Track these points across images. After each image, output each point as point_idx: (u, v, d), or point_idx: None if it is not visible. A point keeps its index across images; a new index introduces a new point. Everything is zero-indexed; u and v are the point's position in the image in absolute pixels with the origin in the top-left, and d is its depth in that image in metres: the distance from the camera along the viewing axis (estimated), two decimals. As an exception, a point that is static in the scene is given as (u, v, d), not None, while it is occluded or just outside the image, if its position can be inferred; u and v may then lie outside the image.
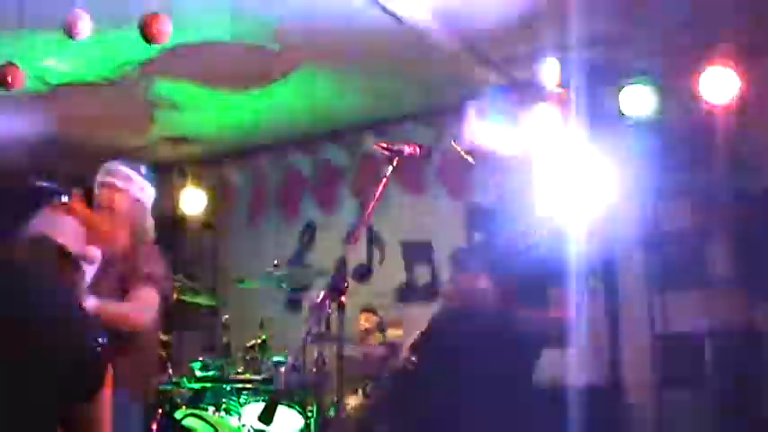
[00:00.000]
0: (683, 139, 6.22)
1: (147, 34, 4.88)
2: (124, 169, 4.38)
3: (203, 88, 6.80)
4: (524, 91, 6.51)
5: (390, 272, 7.61)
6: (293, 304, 7.72)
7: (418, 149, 3.81)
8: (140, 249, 4.27)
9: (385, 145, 3.76)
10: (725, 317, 5.95)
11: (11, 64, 5.63)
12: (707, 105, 5.79)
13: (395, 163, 3.79)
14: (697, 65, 5.81)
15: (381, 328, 6.18)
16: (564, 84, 6.21)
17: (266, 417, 3.65)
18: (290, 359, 5.65)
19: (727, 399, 5.75)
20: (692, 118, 6.06)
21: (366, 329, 6.12)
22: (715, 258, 6.11)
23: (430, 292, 7.15)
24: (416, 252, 7.48)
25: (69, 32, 4.90)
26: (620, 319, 6.07)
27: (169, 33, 4.89)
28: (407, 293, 7.50)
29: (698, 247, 6.18)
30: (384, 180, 3.67)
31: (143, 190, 4.41)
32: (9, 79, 5.61)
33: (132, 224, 4.27)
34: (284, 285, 6.04)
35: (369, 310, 6.31)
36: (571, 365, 5.12)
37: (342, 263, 3.66)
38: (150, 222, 4.43)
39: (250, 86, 6.81)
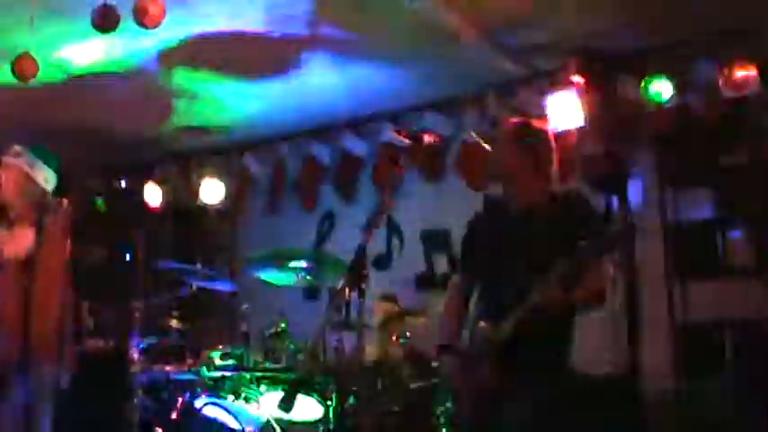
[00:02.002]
0: (703, 128, 6.19)
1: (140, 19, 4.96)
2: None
3: (222, 78, 6.81)
4: (543, 80, 6.51)
5: (409, 261, 7.62)
6: (312, 293, 7.73)
7: (437, 138, 3.82)
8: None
9: (404, 133, 3.77)
10: (745, 306, 5.94)
11: (25, 54, 5.66)
12: (725, 92, 5.77)
13: (414, 152, 3.80)
14: (716, 53, 5.79)
15: (401, 316, 6.18)
16: (583, 72, 6.20)
17: (286, 404, 3.68)
18: (309, 347, 5.66)
19: (746, 388, 5.73)
20: (711, 106, 6.03)
21: (385, 318, 6.12)
22: (735, 247, 6.09)
23: (448, 280, 7.14)
24: (435, 241, 7.48)
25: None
26: (639, 307, 6.05)
27: (162, 18, 4.96)
28: (426, 282, 7.50)
29: (718, 235, 6.16)
30: (403, 168, 3.68)
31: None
32: (23, 70, 5.65)
33: None
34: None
35: (388, 298, 6.31)
36: (591, 354, 5.13)
37: (361, 250, 3.66)
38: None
39: (268, 76, 6.81)
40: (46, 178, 5.08)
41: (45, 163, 5.11)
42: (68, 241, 5.04)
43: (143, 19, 5.02)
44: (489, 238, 4.29)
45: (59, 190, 5.23)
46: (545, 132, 4.28)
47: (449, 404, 4.36)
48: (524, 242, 4.03)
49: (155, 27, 5.12)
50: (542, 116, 6.19)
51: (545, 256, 3.81)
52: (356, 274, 3.69)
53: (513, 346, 3.93)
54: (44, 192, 5.03)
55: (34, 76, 5.69)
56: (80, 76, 6.67)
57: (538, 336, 3.88)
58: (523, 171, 4.16)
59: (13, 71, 5.66)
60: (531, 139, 4.20)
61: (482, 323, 4.11)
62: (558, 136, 6.02)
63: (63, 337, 4.97)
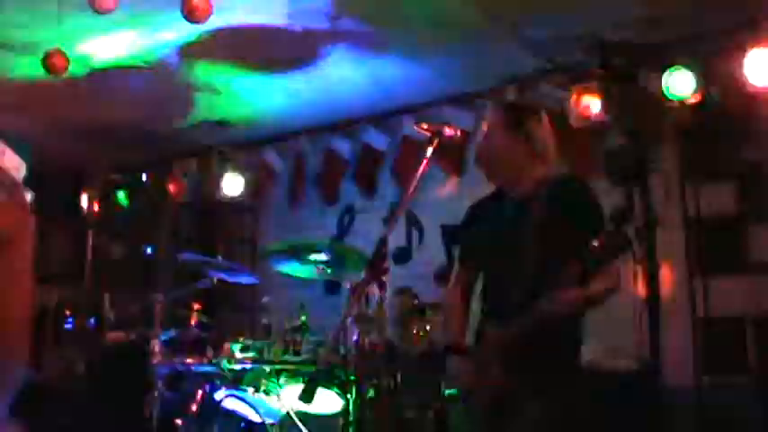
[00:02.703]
0: (727, 121, 6.15)
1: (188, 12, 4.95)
2: None
3: (243, 72, 6.83)
4: (565, 73, 6.49)
5: (429, 255, 7.61)
6: (332, 287, 7.75)
7: (459, 131, 3.80)
8: None
9: (426, 126, 3.75)
10: (767, 301, 5.91)
11: (57, 50, 5.71)
12: (751, 87, 5.72)
13: (435, 145, 3.78)
14: (741, 45, 5.74)
15: (419, 310, 6.18)
16: (605, 66, 6.18)
17: (307, 396, 3.67)
18: (329, 340, 5.67)
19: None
20: (735, 99, 5.99)
21: (403, 312, 6.12)
22: (758, 242, 6.05)
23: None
24: (455, 235, 7.46)
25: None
26: (661, 302, 6.03)
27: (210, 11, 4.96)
28: (446, 276, 7.47)
29: (740, 230, 6.12)
30: (424, 162, 3.66)
31: None
32: (55, 65, 5.70)
33: None
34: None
35: (404, 292, 6.30)
36: (612, 350, 5.12)
37: (383, 243, 3.65)
38: None
39: (289, 69, 6.83)
40: (17, 167, 5.05)
41: (17, 152, 5.09)
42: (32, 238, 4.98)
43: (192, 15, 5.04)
44: (489, 227, 4.17)
45: (29, 181, 5.21)
46: (538, 115, 4.12)
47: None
48: (525, 232, 3.88)
49: (205, 21, 5.13)
50: (563, 110, 6.18)
51: (549, 248, 3.74)
52: (377, 267, 3.68)
53: (523, 347, 3.90)
54: (14, 181, 5.00)
55: (65, 71, 5.74)
56: (102, 71, 6.70)
57: (549, 336, 3.85)
58: (515, 157, 4.03)
59: (44, 65, 5.71)
60: (523, 124, 4.05)
61: (489, 328, 4.06)
62: (580, 130, 6.03)
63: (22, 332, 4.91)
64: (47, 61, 5.73)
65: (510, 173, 4.07)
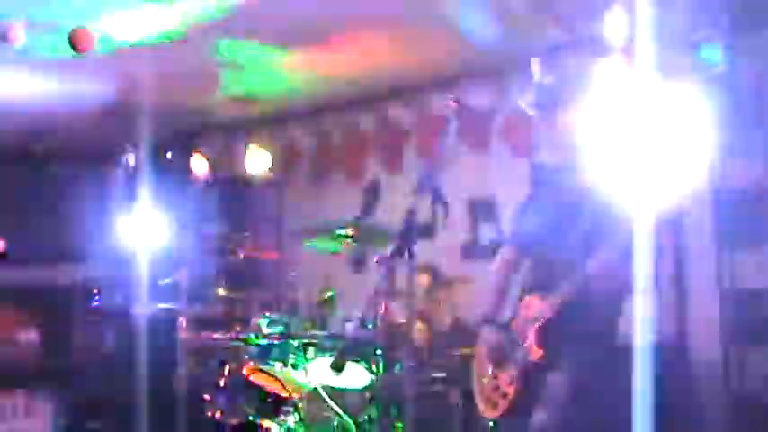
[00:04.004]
0: (752, 96, 6.12)
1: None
2: None
3: (268, 48, 6.82)
4: (590, 47, 6.46)
5: (454, 230, 7.61)
6: (357, 263, 7.76)
7: (484, 105, 3.84)
8: None
9: (452, 99, 3.78)
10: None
11: (83, 28, 5.73)
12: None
13: (461, 120, 3.80)
14: (766, 21, 5.71)
15: (446, 284, 6.21)
16: (632, 39, 6.14)
17: (337, 366, 3.71)
18: (358, 314, 5.70)
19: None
20: (760, 74, 5.96)
21: (432, 287, 6.16)
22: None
23: (494, 249, 7.14)
24: (480, 210, 7.47)
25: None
26: (687, 276, 6.02)
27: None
28: (472, 251, 7.51)
29: (766, 203, 6.10)
30: (449, 137, 3.69)
31: None
32: (81, 43, 5.73)
33: None
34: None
35: (427, 269, 6.33)
36: (639, 322, 5.11)
37: (411, 215, 3.68)
38: None
39: (313, 45, 6.82)
40: None
41: None
42: None
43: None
44: (545, 215, 4.32)
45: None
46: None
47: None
48: (581, 221, 4.06)
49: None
50: (587, 83, 6.16)
51: (598, 236, 3.85)
52: (406, 240, 3.72)
53: (561, 317, 3.95)
54: None
55: (91, 49, 5.78)
56: (125, 48, 6.71)
57: (588, 305, 3.90)
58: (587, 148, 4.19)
59: (70, 43, 5.74)
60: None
61: (529, 297, 4.14)
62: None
63: None
64: (73, 40, 5.76)
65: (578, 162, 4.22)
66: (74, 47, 5.80)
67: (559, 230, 4.17)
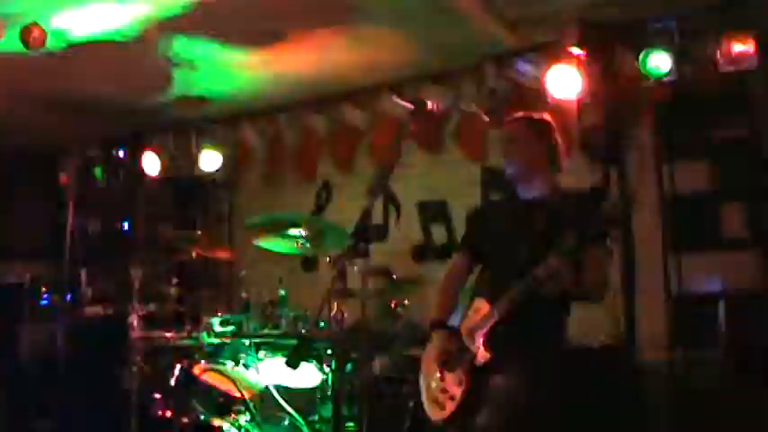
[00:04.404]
0: (700, 100, 6.23)
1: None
2: None
3: (221, 47, 6.81)
4: (542, 52, 6.53)
5: (406, 232, 7.65)
6: (309, 264, 7.77)
7: (439, 105, 3.88)
8: None
9: (407, 99, 3.82)
10: (739, 278, 5.99)
11: (35, 24, 5.70)
12: (723, 66, 5.80)
13: (414, 120, 3.85)
14: (715, 27, 5.82)
15: (397, 286, 6.24)
16: (582, 44, 6.22)
17: (293, 361, 3.73)
18: (309, 314, 5.73)
19: (739, 359, 5.80)
20: (708, 78, 6.06)
21: (384, 288, 6.18)
22: (731, 219, 6.14)
23: (445, 251, 7.18)
24: (433, 212, 7.51)
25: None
26: (635, 279, 6.10)
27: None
28: (423, 253, 7.55)
29: (714, 207, 6.20)
30: (403, 136, 3.73)
31: None
32: (33, 39, 5.69)
33: None
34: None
35: (379, 271, 6.35)
36: (587, 325, 5.19)
37: (367, 215, 3.72)
38: None
39: (268, 45, 6.82)
40: None
41: None
42: None
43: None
44: (497, 223, 4.43)
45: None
46: (552, 126, 4.44)
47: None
48: (532, 231, 4.15)
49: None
50: (540, 88, 6.23)
51: (550, 244, 3.91)
52: (360, 241, 3.76)
53: (509, 322, 4.01)
54: None
55: (43, 45, 5.74)
56: (79, 45, 6.66)
57: (535, 310, 3.96)
58: (538, 163, 4.33)
59: (22, 39, 5.70)
60: (547, 133, 4.39)
61: (478, 300, 4.20)
62: (557, 108, 6.09)
63: None
64: (25, 35, 5.72)
65: (529, 176, 4.34)
66: (25, 43, 5.76)
67: (510, 236, 4.25)
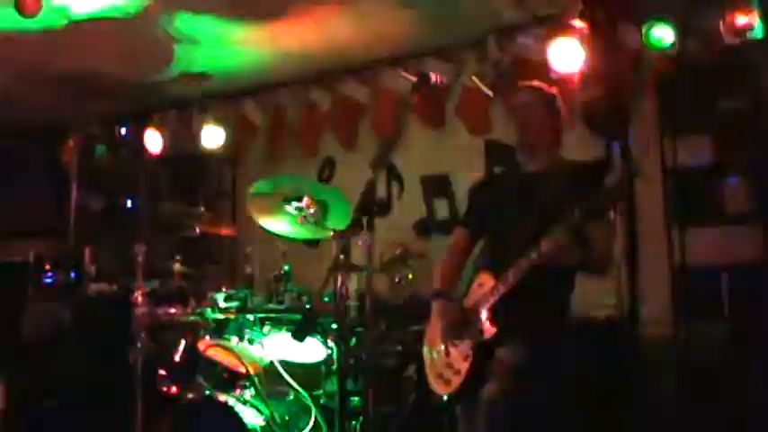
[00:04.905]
0: (703, 73, 6.21)
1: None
2: None
3: (222, 23, 6.79)
4: (544, 25, 6.50)
5: (409, 206, 7.66)
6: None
7: (443, 79, 3.89)
8: None
9: (411, 72, 3.83)
10: (742, 251, 6.00)
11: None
12: (726, 38, 5.78)
13: (418, 93, 3.85)
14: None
15: (402, 260, 6.26)
16: (584, 17, 6.20)
17: (300, 334, 3.75)
18: (314, 289, 5.72)
19: (742, 332, 5.82)
20: (711, 52, 6.04)
21: (388, 261, 6.20)
22: (734, 192, 6.13)
23: (448, 225, 7.18)
24: (435, 186, 7.51)
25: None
26: (639, 253, 6.11)
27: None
28: (426, 227, 7.55)
29: (717, 180, 6.20)
30: (405, 111, 3.73)
31: None
32: (27, 5, 5.68)
33: None
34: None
35: (387, 242, 6.36)
36: (591, 298, 5.20)
37: (371, 187, 3.72)
38: None
39: (268, 20, 6.80)
40: None
41: None
42: None
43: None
44: (501, 196, 4.45)
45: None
46: (554, 98, 4.47)
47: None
48: (536, 204, 4.17)
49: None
50: (543, 61, 6.21)
51: (554, 218, 3.93)
52: (365, 212, 3.76)
53: (514, 295, 4.02)
54: None
55: (38, 12, 5.72)
56: (80, 22, 6.65)
57: (540, 284, 3.97)
58: (546, 135, 4.37)
59: (16, 6, 5.69)
60: (548, 106, 4.42)
61: (483, 275, 4.21)
62: (559, 81, 6.07)
63: None
64: (19, 2, 5.71)
65: (536, 147, 4.38)
66: (20, 10, 5.75)
67: (513, 208, 4.25)
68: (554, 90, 4.49)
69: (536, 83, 4.55)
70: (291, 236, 5.61)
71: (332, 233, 4.95)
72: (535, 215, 4.10)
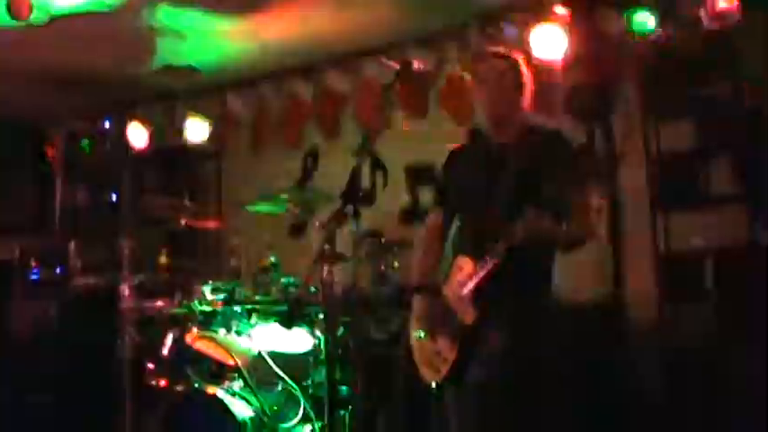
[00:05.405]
0: (686, 59, 6.24)
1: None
2: None
3: (206, 15, 6.78)
4: (526, 12, 6.51)
5: (393, 195, 7.65)
6: (297, 229, 7.77)
7: (425, 65, 3.87)
8: None
9: (394, 60, 3.82)
10: (726, 234, 6.03)
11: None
12: (708, 23, 5.81)
13: (401, 81, 3.85)
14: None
15: (386, 249, 6.26)
16: (566, 4, 6.22)
17: (288, 322, 3.75)
18: (300, 279, 5.74)
19: (726, 315, 5.85)
20: (693, 37, 6.07)
21: (373, 250, 6.20)
22: (717, 176, 6.16)
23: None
24: (420, 175, 7.51)
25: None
26: (623, 237, 6.15)
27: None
28: (410, 216, 7.56)
29: (699, 165, 6.23)
30: (388, 100, 3.72)
31: None
32: (19, 10, 5.68)
33: None
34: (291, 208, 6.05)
35: (371, 232, 6.37)
36: (576, 282, 5.23)
37: (356, 174, 3.71)
38: None
39: (251, 12, 6.79)
40: None
41: None
42: None
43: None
44: (469, 170, 4.36)
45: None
46: (518, 63, 4.33)
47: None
48: (509, 177, 4.07)
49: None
50: (526, 48, 6.23)
51: (526, 192, 3.89)
52: (350, 200, 3.76)
53: (495, 277, 3.99)
54: None
55: (29, 16, 5.72)
56: (63, 16, 6.63)
57: (519, 264, 3.95)
58: (515, 103, 4.26)
59: (7, 10, 5.69)
60: (513, 72, 4.27)
61: (461, 259, 4.17)
62: (542, 68, 6.09)
63: None
64: (10, 6, 5.70)
65: (503, 117, 4.26)
66: (12, 13, 5.74)
67: (486, 185, 4.19)
68: (519, 55, 4.40)
69: (501, 49, 4.46)
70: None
71: (317, 223, 4.96)
72: (510, 190, 4.03)
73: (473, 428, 4.00)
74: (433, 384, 4.26)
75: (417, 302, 4.41)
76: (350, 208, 3.84)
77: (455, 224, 4.31)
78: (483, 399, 3.92)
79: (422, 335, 4.30)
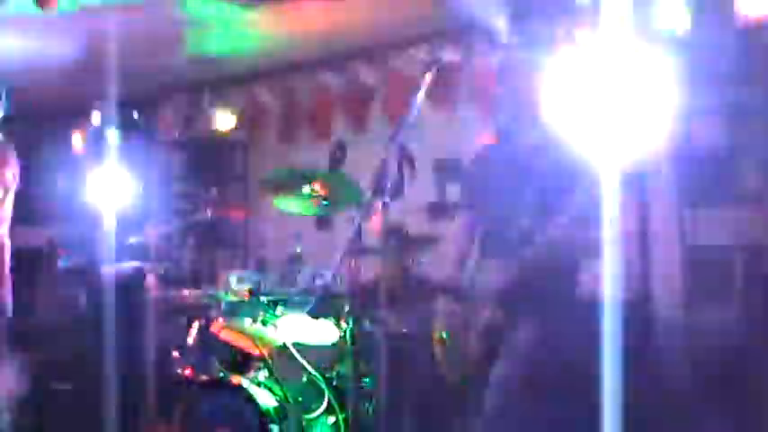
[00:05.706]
0: (716, 54, 6.19)
1: None
2: None
3: (235, 7, 6.79)
4: (555, 5, 6.48)
5: (421, 190, 7.65)
6: (324, 222, 7.80)
7: (455, 60, 3.86)
8: None
9: (424, 54, 3.81)
10: (755, 232, 5.99)
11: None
12: (741, 19, 5.76)
13: (431, 75, 3.82)
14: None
15: (413, 244, 6.27)
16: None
17: (314, 312, 3.75)
18: (327, 271, 5.74)
19: (755, 314, 5.81)
20: (725, 32, 6.02)
21: (401, 244, 6.21)
22: (746, 173, 6.12)
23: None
24: (448, 170, 7.51)
25: None
26: (650, 233, 6.11)
27: None
28: (438, 210, 7.55)
29: (729, 162, 6.18)
30: (418, 93, 3.70)
31: None
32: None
33: None
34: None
35: (398, 226, 6.37)
36: (602, 279, 5.20)
37: (384, 166, 3.70)
38: None
39: (279, 3, 6.80)
40: None
41: None
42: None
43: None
44: (498, 175, 4.26)
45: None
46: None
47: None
48: (537, 180, 3.99)
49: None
50: (554, 44, 6.19)
51: (554, 195, 3.86)
52: (379, 192, 3.75)
53: (521, 279, 3.98)
54: None
55: (55, 4, 5.75)
56: (92, 6, 6.66)
57: (548, 266, 3.93)
58: (540, 98, 4.10)
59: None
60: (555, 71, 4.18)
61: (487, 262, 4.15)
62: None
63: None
64: (39, -3, 5.76)
65: (527, 112, 4.14)
66: (39, 2, 5.78)
67: (513, 189, 4.12)
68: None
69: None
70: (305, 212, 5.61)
71: (346, 215, 4.96)
72: (537, 193, 3.95)
73: (496, 427, 4.00)
74: (457, 381, 4.26)
75: (443, 300, 4.40)
76: (378, 201, 3.83)
77: (481, 227, 4.30)
78: (504, 396, 3.92)
79: (446, 333, 4.30)
